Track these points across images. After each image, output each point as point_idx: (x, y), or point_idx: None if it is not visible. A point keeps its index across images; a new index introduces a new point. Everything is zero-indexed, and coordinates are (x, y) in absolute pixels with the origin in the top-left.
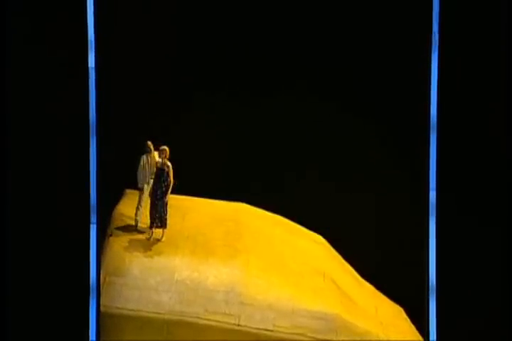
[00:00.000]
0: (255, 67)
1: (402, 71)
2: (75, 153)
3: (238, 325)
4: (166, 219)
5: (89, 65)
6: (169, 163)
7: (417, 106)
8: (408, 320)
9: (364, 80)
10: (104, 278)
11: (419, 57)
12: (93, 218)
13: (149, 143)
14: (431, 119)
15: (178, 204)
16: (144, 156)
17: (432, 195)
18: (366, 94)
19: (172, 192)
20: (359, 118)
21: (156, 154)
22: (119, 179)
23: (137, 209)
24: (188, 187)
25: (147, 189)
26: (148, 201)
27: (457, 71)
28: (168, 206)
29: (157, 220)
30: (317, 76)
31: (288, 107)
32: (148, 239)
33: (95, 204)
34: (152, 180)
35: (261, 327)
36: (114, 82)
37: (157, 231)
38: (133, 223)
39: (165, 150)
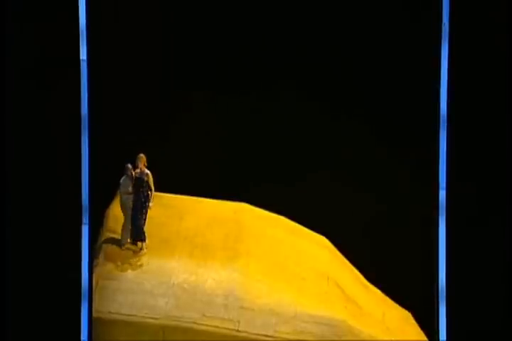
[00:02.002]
0: (257, 65)
1: (411, 63)
2: (65, 150)
3: (238, 331)
4: (144, 232)
5: (81, 57)
6: (148, 171)
7: (426, 101)
8: (417, 325)
9: (371, 74)
10: (97, 282)
11: (428, 49)
12: (85, 219)
13: (129, 166)
14: (441, 115)
15: (175, 204)
16: (125, 178)
17: (442, 195)
18: (372, 88)
19: (169, 192)
20: (364, 114)
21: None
22: (112, 178)
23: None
24: (186, 186)
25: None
26: None
27: (469, 63)
28: (146, 219)
29: (136, 234)
30: (320, 72)
31: (290, 104)
32: (136, 252)
33: (87, 205)
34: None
35: (261, 332)
36: (107, 75)
37: (138, 243)
38: None
39: (142, 157)
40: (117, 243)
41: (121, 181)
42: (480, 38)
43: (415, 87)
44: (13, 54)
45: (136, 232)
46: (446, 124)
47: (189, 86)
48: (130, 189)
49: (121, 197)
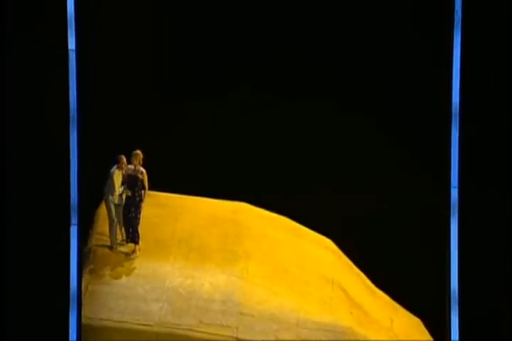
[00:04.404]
0: (264, 61)
1: (421, 54)
2: (53, 146)
3: (236, 338)
4: (139, 234)
5: (70, 48)
6: (143, 169)
7: (437, 94)
8: (427, 332)
9: (378, 65)
10: (87, 287)
11: (439, 39)
12: (74, 219)
13: (123, 157)
14: (452, 109)
15: (170, 203)
16: (116, 171)
17: (454, 193)
18: (380, 81)
19: (164, 191)
20: (371, 109)
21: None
22: (103, 176)
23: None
24: (181, 185)
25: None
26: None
27: (482, 53)
28: (141, 219)
29: (130, 235)
30: (324, 65)
31: (291, 104)
32: (128, 255)
33: (76, 205)
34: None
35: (261, 340)
36: (97, 66)
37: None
38: None
39: (138, 154)
40: (108, 245)
41: (110, 171)
42: (494, 26)
43: (425, 79)
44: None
45: (130, 234)
46: (458, 119)
47: (188, 80)
48: (120, 183)
49: (109, 192)
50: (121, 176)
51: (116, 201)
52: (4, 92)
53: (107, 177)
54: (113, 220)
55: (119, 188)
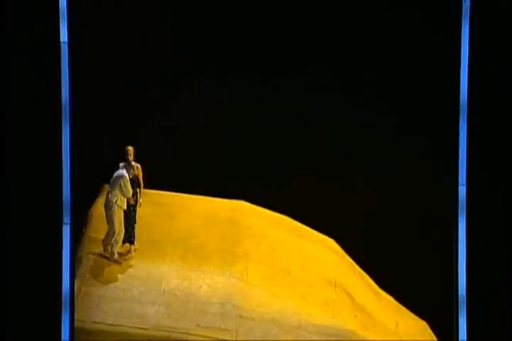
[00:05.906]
0: (256, 52)
1: (427, 45)
2: (45, 141)
3: None
4: (134, 233)
5: (62, 39)
6: (138, 165)
7: (444, 88)
8: (434, 336)
9: (384, 56)
10: (79, 288)
11: (446, 28)
12: (66, 218)
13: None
14: (460, 103)
15: (167, 201)
16: (125, 174)
17: (462, 192)
18: (385, 73)
19: (159, 189)
20: (376, 105)
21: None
22: (97, 173)
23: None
24: (179, 182)
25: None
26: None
27: (492, 44)
28: (137, 217)
29: (126, 235)
30: (331, 58)
31: (293, 94)
32: (123, 256)
33: (69, 203)
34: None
35: None
36: (90, 59)
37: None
38: None
39: (130, 150)
40: (101, 245)
41: (119, 175)
42: (503, 16)
43: (431, 70)
44: None
45: (127, 233)
46: (466, 116)
47: (185, 74)
48: (130, 189)
49: (117, 197)
50: (126, 182)
51: (125, 206)
52: None
53: (112, 180)
54: (114, 227)
55: (130, 192)
